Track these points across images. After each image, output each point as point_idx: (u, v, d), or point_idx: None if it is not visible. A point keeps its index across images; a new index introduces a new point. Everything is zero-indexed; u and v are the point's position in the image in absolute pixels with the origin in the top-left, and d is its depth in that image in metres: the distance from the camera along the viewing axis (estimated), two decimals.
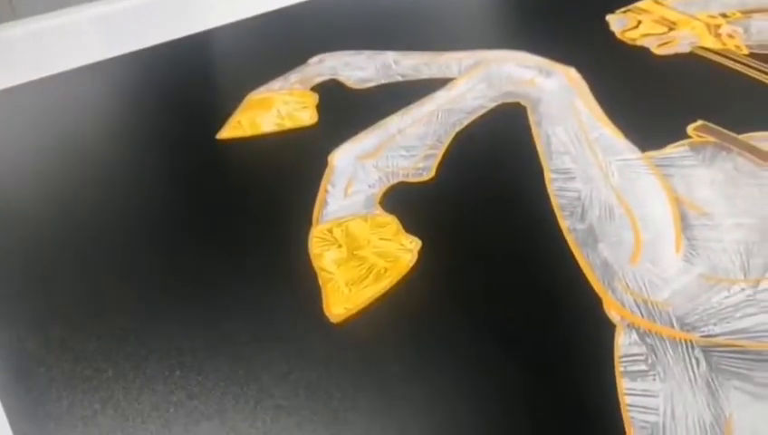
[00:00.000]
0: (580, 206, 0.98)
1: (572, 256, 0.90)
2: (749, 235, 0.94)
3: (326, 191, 1.01)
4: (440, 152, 1.08)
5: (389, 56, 1.33)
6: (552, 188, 1.02)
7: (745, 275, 0.88)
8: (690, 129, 1.14)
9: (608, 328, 0.81)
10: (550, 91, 1.23)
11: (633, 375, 0.76)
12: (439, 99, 1.21)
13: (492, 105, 1.20)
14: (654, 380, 0.75)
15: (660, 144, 1.11)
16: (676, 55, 1.37)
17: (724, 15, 1.51)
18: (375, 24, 1.48)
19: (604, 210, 0.97)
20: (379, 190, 1.01)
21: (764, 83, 1.28)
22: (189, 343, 0.81)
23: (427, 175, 1.04)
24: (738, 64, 1.33)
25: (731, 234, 0.94)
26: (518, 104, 1.20)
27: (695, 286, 0.86)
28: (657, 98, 1.25)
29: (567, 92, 1.23)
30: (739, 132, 1.14)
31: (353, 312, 0.83)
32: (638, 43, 1.41)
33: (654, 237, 0.93)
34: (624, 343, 0.79)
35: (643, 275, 0.88)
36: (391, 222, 0.95)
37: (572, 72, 1.28)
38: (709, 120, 1.17)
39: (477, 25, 1.47)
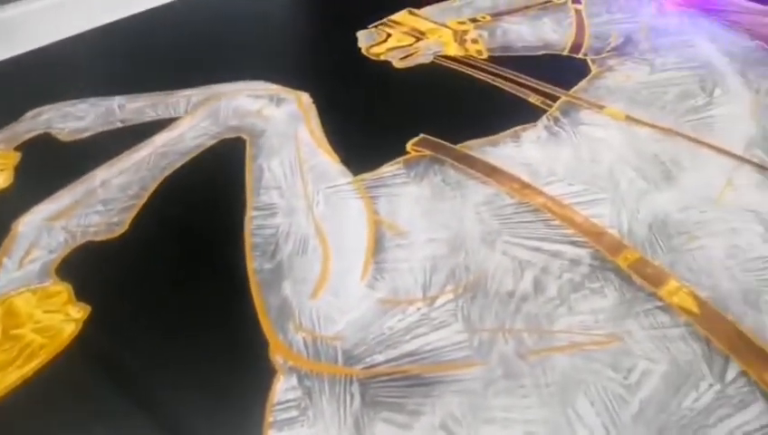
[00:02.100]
0: (275, 243, 0.98)
1: (251, 301, 0.90)
2: (439, 249, 0.97)
3: (0, 265, 0.96)
4: (141, 202, 1.05)
5: (115, 101, 1.30)
6: (250, 227, 1.01)
7: (424, 294, 0.90)
8: (409, 144, 1.18)
9: (269, 375, 0.80)
10: (276, 121, 1.24)
11: (281, 424, 0.75)
12: (156, 142, 1.18)
13: (211, 143, 1.19)
14: (302, 426, 0.75)
15: (379, 164, 1.14)
16: (418, 67, 1.41)
17: (474, 20, 1.59)
18: (114, 69, 1.44)
19: (299, 245, 0.98)
20: (59, 255, 0.96)
21: (497, 87, 1.34)
22: None
23: (120, 230, 1.01)
24: (476, 70, 1.39)
25: (422, 251, 0.97)
26: (240, 138, 1.20)
27: (371, 313, 0.87)
28: (388, 115, 1.28)
29: (293, 120, 1.24)
30: (464, 140, 1.19)
31: None
32: (383, 57, 1.44)
33: (343, 267, 0.94)
34: (281, 389, 0.79)
35: (321, 309, 0.88)
36: (62, 291, 0.91)
37: (305, 98, 1.30)
38: (436, 132, 1.21)
39: (218, 58, 1.46)
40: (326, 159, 1.14)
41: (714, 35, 1.52)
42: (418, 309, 0.88)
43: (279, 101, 1.29)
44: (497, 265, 0.94)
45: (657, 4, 1.68)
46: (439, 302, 0.89)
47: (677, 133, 1.21)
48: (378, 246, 0.97)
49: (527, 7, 1.65)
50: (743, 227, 1.01)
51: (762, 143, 1.19)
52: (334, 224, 1.01)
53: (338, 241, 0.98)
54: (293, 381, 0.79)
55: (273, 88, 1.33)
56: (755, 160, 1.15)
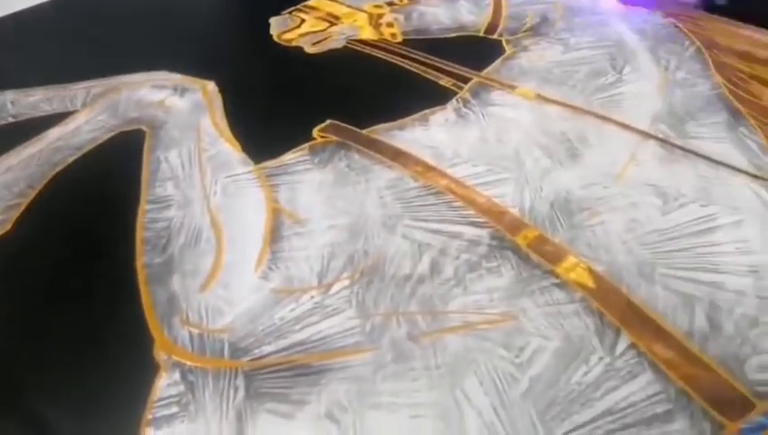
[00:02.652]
0: (167, 236, 0.95)
1: (138, 297, 0.87)
2: (338, 236, 0.96)
3: None
4: (27, 200, 1.02)
5: (7, 96, 1.25)
6: (142, 220, 0.98)
7: (320, 281, 0.89)
8: (316, 130, 1.17)
9: (153, 372, 0.78)
10: (178, 111, 1.21)
11: (160, 421, 0.73)
12: (49, 137, 1.14)
13: (109, 136, 1.15)
14: (182, 422, 0.73)
15: (284, 151, 1.12)
16: (330, 52, 1.40)
17: (390, 4, 1.58)
18: (7, 62, 1.39)
19: (191, 237, 0.95)
20: None
21: (408, 71, 1.33)
22: None
23: (2, 229, 0.97)
24: (388, 54, 1.38)
25: (321, 238, 0.95)
26: (140, 130, 1.17)
27: (262, 304, 0.86)
28: (297, 102, 1.26)
29: (197, 110, 1.21)
30: (373, 125, 1.18)
31: None
32: (295, 43, 1.42)
33: (236, 258, 0.92)
34: (163, 385, 0.77)
35: (210, 302, 0.86)
36: None
37: (210, 87, 1.27)
38: (345, 117, 1.19)
39: (123, 48, 1.42)
40: (227, 148, 1.12)
41: (627, 14, 1.54)
42: (312, 297, 0.87)
43: (183, 91, 1.26)
44: (396, 248, 0.94)
45: None
46: (334, 289, 0.88)
47: (586, 111, 1.22)
48: (275, 235, 0.96)
49: None
50: (642, 200, 1.03)
51: (667, 118, 1.21)
52: (230, 214, 0.99)
53: (233, 232, 0.96)
54: (176, 376, 0.77)
55: (178, 78, 1.30)
56: (659, 135, 1.17)
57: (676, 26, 1.50)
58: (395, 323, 0.84)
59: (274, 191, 1.03)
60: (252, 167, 1.08)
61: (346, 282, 0.89)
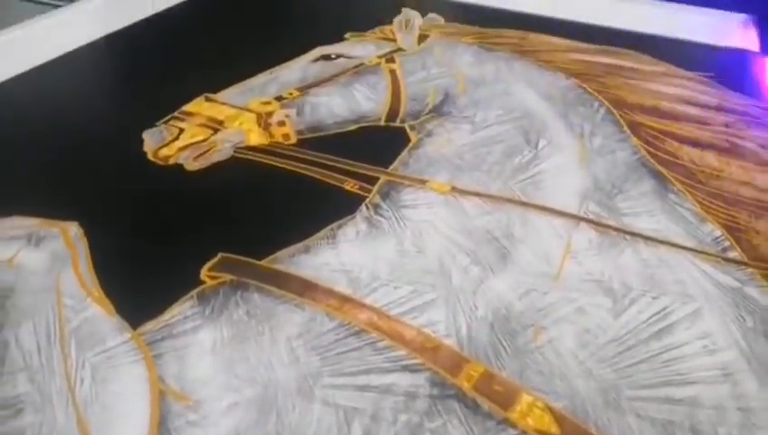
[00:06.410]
0: None
1: None
2: (245, 417, 0.76)
3: None
4: None
5: None
6: None
7: None
8: (203, 271, 0.98)
9: None
10: (31, 269, 0.98)
11: None
12: None
13: None
14: None
15: (168, 304, 0.92)
16: (215, 166, 1.22)
17: (280, 98, 1.42)
18: None
19: None
20: None
21: (308, 177, 1.17)
22: None
23: None
24: (283, 160, 1.22)
25: (222, 425, 0.75)
26: None
27: None
28: (180, 234, 1.07)
29: (56, 264, 0.98)
30: (272, 251, 1.01)
31: None
32: (173, 160, 1.23)
33: None
34: None
35: None
36: None
37: (73, 230, 1.05)
38: (239, 247, 1.01)
39: None
40: (97, 313, 0.90)
41: (530, 79, 1.46)
42: None
43: (39, 241, 1.04)
44: (318, 422, 0.75)
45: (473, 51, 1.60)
46: None
47: (506, 199, 1.10)
48: (163, 429, 0.75)
49: (338, 75, 1.52)
50: (589, 303, 0.90)
51: (594, 195, 1.10)
52: (102, 410, 0.78)
53: None
54: None
55: (34, 223, 1.08)
56: (591, 217, 1.06)
57: (581, 87, 1.43)
58: None
59: (158, 365, 0.83)
60: (129, 334, 0.87)
61: None
